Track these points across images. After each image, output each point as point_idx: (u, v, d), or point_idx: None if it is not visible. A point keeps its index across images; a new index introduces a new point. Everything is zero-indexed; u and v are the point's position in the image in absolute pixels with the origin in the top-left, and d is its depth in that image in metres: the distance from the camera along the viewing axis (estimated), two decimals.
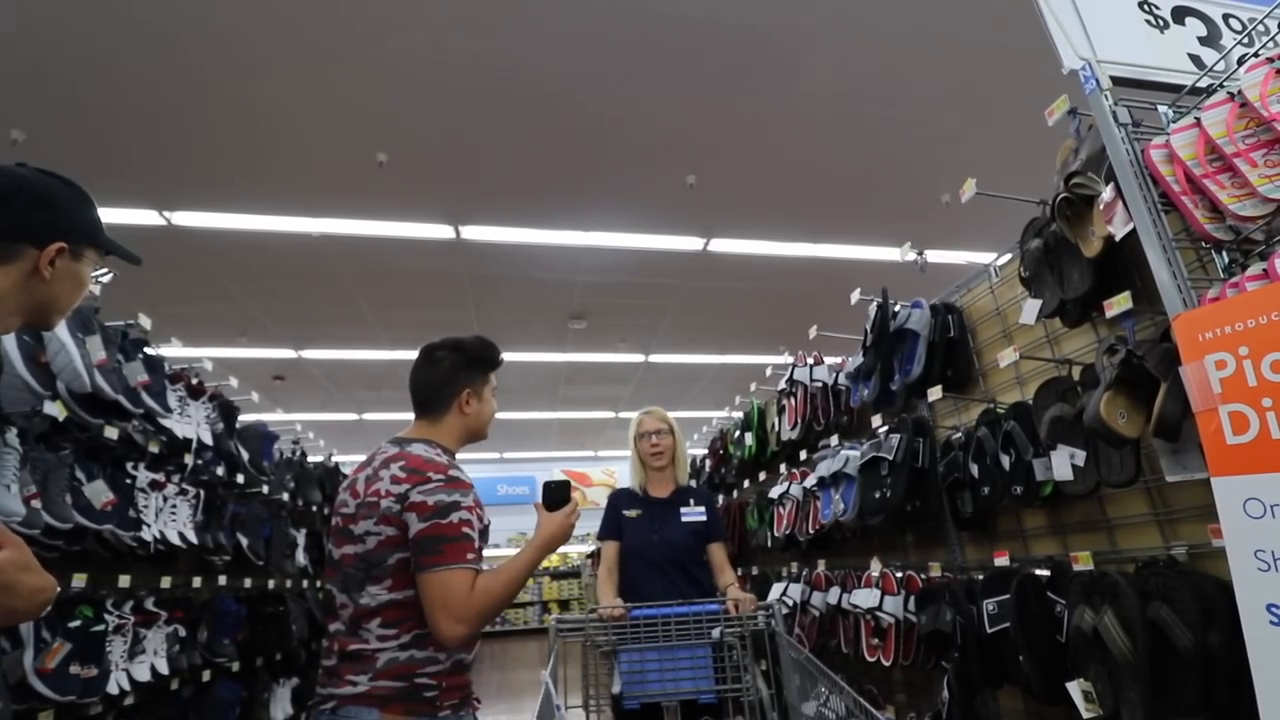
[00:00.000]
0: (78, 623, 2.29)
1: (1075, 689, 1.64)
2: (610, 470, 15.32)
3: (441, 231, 5.28)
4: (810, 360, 3.51)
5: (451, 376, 1.70)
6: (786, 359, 3.72)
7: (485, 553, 1.71)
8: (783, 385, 3.68)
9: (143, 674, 2.63)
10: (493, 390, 1.78)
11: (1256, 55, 1.51)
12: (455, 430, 1.71)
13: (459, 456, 1.73)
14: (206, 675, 3.18)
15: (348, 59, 3.55)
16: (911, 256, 2.90)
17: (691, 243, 5.73)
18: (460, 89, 3.82)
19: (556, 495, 1.70)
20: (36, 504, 2.09)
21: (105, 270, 1.21)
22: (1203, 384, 1.26)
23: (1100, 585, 1.64)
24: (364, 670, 1.43)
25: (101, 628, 2.38)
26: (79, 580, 2.41)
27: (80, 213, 1.14)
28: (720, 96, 4.00)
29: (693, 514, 2.62)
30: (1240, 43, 1.76)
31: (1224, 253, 1.49)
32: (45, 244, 1.05)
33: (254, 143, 4.15)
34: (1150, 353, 1.47)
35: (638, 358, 8.77)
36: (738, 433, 4.47)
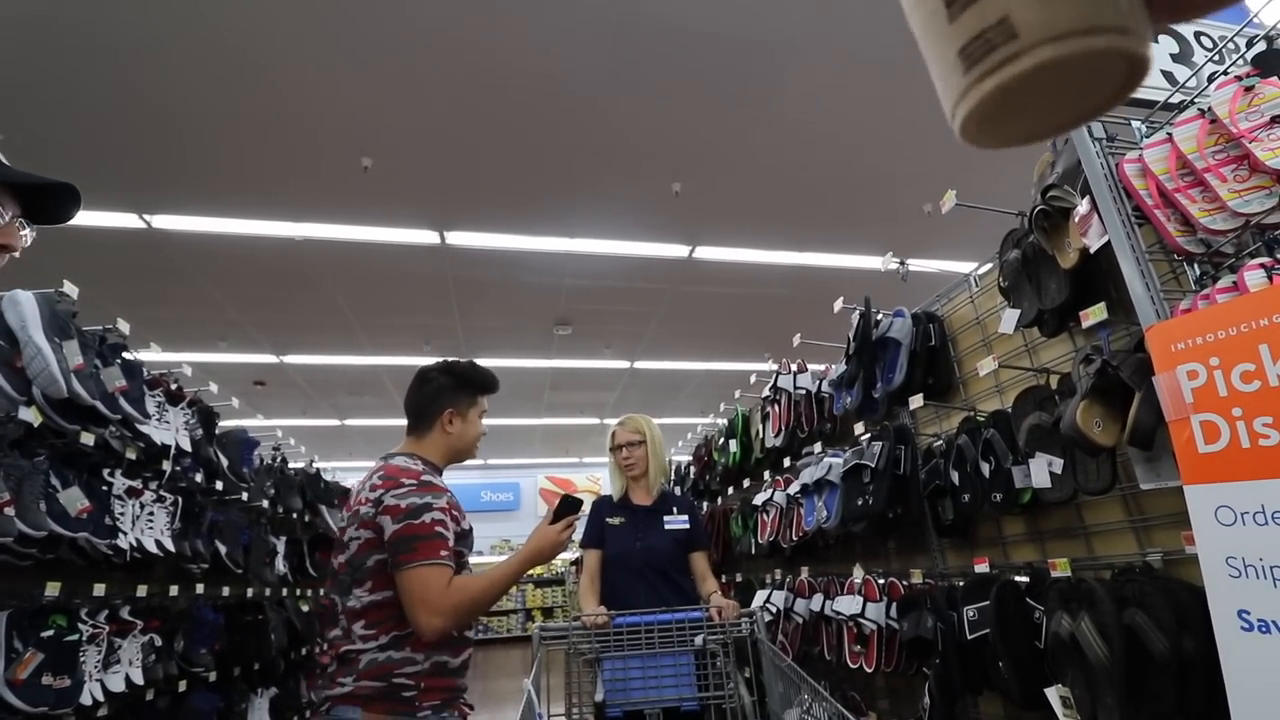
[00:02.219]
0: (51, 632, 2.25)
1: (1053, 695, 1.66)
2: (595, 477, 15.29)
3: (426, 237, 5.25)
4: (794, 368, 3.53)
5: (437, 396, 1.80)
6: (771, 366, 3.74)
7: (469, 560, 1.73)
8: (767, 392, 3.71)
9: (117, 684, 2.58)
10: (480, 413, 1.86)
11: (1226, 73, 1.55)
12: (439, 447, 1.80)
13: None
14: (183, 685, 3.12)
15: (333, 63, 3.53)
16: (893, 265, 2.93)
17: (677, 250, 5.75)
18: (446, 94, 3.81)
19: (565, 509, 1.74)
20: (10, 511, 2.05)
21: (16, 220, 0.97)
22: (1175, 394, 1.29)
23: (1077, 592, 1.66)
24: (350, 671, 1.51)
25: (75, 637, 2.34)
26: (52, 589, 2.36)
27: None
28: (705, 105, 4.03)
29: (675, 521, 2.63)
30: (1211, 60, 1.81)
31: (1195, 265, 1.53)
32: None
33: (237, 145, 4.11)
34: (1125, 362, 1.50)
35: (623, 364, 8.77)
36: (722, 439, 4.48)
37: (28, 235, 1.00)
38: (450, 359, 1.89)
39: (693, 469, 5.31)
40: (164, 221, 4.76)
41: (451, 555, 1.58)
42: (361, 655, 1.51)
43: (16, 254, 1.00)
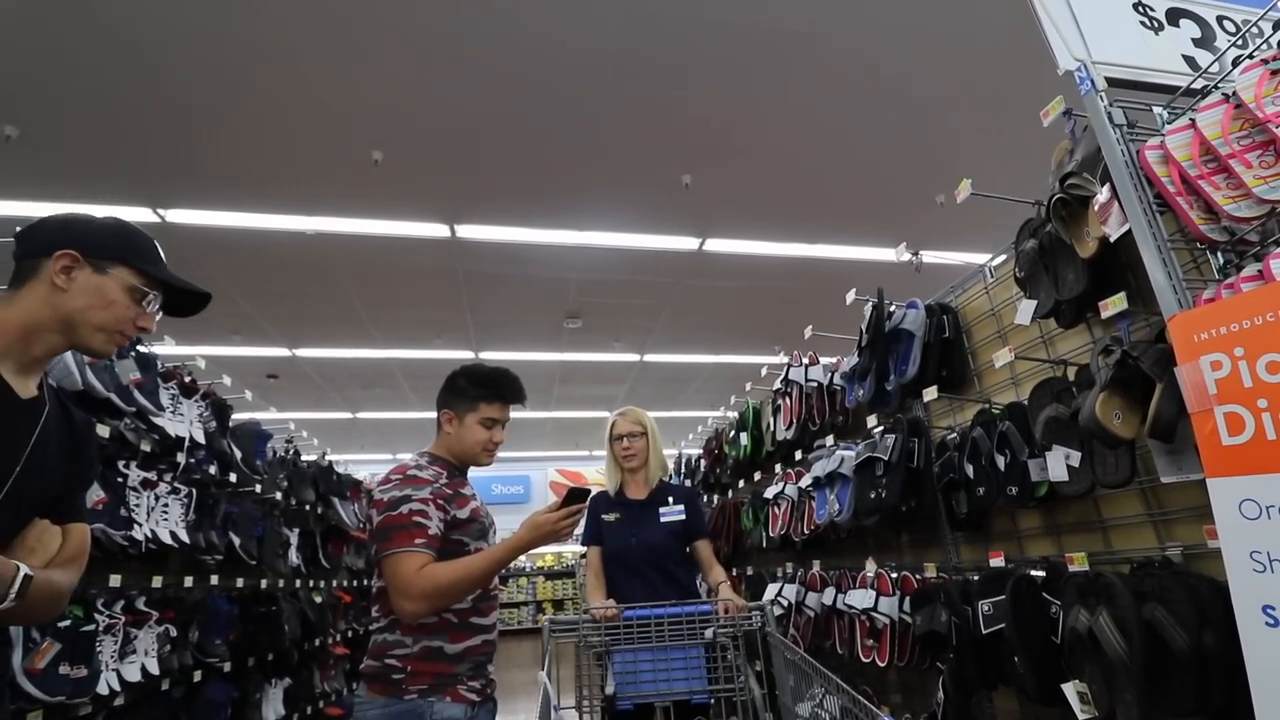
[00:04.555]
0: (67, 622, 2.27)
1: (1070, 690, 1.64)
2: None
3: (436, 230, 5.26)
4: (805, 360, 3.50)
5: (441, 397, 1.89)
6: (782, 359, 3.72)
7: None
8: (778, 385, 3.68)
9: (133, 674, 2.61)
10: (483, 420, 1.86)
11: (1250, 57, 1.51)
12: (444, 445, 1.87)
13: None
14: (198, 675, 3.15)
15: (344, 57, 3.53)
16: (907, 257, 2.90)
17: (687, 242, 5.72)
18: (456, 87, 3.80)
19: (572, 499, 1.71)
20: None
21: (150, 297, 1.29)
22: (1198, 385, 1.26)
23: (1095, 586, 1.64)
24: (368, 652, 1.68)
25: (91, 627, 2.36)
26: None
27: (105, 233, 1.20)
28: (716, 96, 3.99)
29: (671, 513, 2.61)
30: (1234, 45, 1.76)
31: (1219, 254, 1.49)
32: (53, 252, 1.12)
33: (249, 140, 4.12)
34: (1146, 353, 1.47)
35: (632, 357, 8.75)
36: (733, 433, 4.46)
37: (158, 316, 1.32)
38: (475, 363, 1.96)
39: (703, 462, 5.30)
40: (177, 215, 4.79)
41: (431, 542, 1.63)
42: (373, 637, 1.68)
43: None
